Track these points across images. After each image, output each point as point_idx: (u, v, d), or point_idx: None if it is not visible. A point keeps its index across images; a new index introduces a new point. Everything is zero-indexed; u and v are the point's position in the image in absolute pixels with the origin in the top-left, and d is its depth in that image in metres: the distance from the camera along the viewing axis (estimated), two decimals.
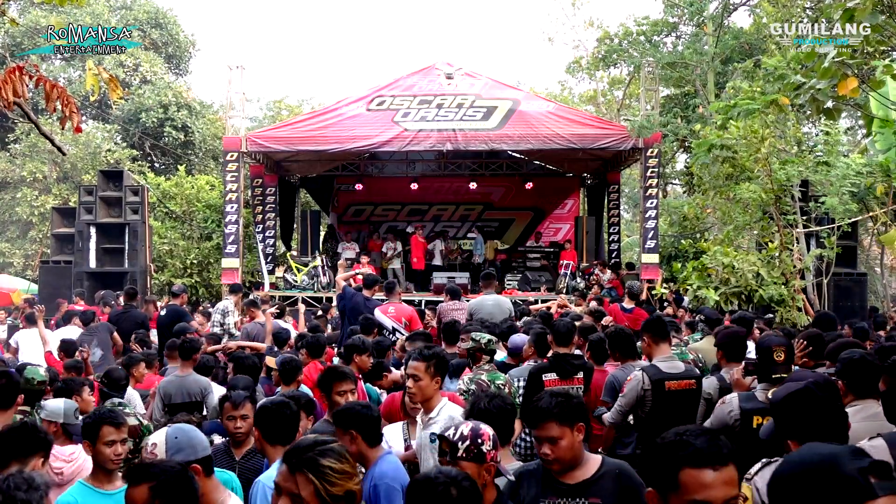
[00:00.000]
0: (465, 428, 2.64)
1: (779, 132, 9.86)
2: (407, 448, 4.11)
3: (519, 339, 5.98)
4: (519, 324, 7.62)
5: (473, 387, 4.89)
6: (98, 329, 8.67)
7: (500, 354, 6.38)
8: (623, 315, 8.54)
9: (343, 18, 71.77)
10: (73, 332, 8.63)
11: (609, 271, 14.27)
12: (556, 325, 5.52)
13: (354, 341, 5.60)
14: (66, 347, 7.22)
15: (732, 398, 4.07)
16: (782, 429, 2.42)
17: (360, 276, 9.53)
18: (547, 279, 15.80)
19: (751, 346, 6.00)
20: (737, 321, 6.66)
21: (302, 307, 9.91)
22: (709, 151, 9.77)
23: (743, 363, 4.57)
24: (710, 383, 4.66)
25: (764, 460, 2.69)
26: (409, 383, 3.83)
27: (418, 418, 3.87)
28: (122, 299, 10.22)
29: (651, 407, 4.66)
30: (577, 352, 5.53)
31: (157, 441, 2.81)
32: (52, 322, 10.33)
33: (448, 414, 3.75)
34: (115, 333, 8.68)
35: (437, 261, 16.59)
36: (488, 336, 5.35)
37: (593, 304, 9.99)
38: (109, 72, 5.55)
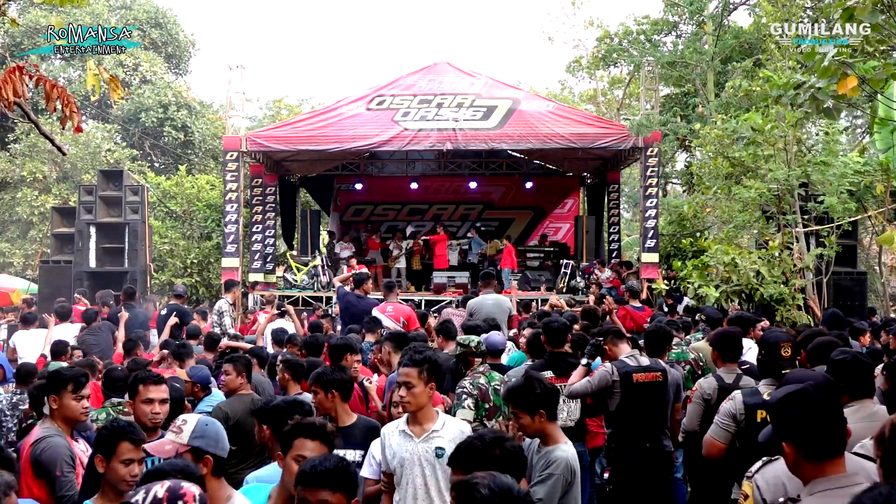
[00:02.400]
0: (161, 489, 2.06)
1: (779, 131, 9.85)
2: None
3: (497, 337, 5.97)
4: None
5: (476, 392, 4.89)
6: (100, 329, 8.67)
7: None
8: (638, 314, 8.72)
9: (343, 18, 71.80)
10: (70, 329, 8.64)
11: (608, 270, 14.28)
12: (550, 325, 5.52)
13: (349, 342, 5.58)
14: (56, 349, 7.15)
15: (737, 394, 4.10)
16: (779, 431, 2.41)
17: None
18: (547, 278, 15.81)
19: (749, 344, 6.02)
20: (735, 321, 6.66)
21: (291, 309, 9.79)
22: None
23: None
24: (709, 384, 4.67)
25: (764, 458, 2.71)
26: (402, 392, 3.47)
27: (408, 430, 3.47)
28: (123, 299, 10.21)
29: (620, 400, 4.79)
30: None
31: (189, 420, 2.84)
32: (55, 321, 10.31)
33: (458, 429, 3.47)
34: (117, 333, 8.66)
35: (453, 260, 16.56)
36: (477, 338, 5.32)
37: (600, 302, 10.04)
38: (110, 71, 5.55)
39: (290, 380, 5.10)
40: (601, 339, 5.09)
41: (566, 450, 3.31)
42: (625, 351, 4.98)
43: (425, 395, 3.48)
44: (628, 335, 5.88)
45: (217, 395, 5.34)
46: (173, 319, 8.35)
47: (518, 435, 3.45)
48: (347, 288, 8.86)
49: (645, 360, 4.94)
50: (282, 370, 5.21)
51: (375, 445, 3.64)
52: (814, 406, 2.33)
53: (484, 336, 5.66)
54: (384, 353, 5.64)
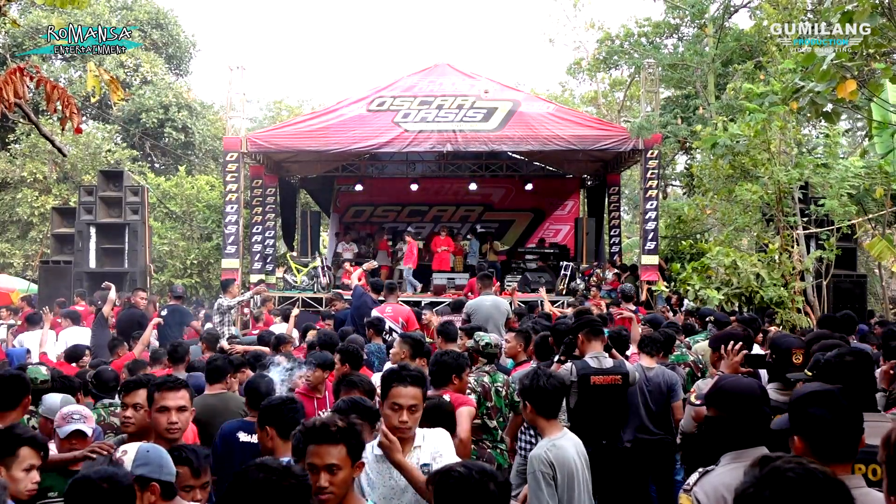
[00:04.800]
0: None
1: (780, 134, 9.86)
2: None
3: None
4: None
5: (479, 389, 4.92)
6: (95, 327, 8.68)
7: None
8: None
9: (343, 18, 71.84)
10: (76, 333, 8.64)
11: (609, 272, 14.29)
12: (558, 327, 5.55)
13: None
14: (70, 353, 7.17)
15: None
16: (795, 425, 2.43)
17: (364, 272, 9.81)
18: (547, 280, 15.81)
19: (754, 349, 6.02)
20: (745, 323, 6.67)
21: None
22: (713, 147, 9.77)
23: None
24: (706, 385, 4.68)
25: (700, 470, 2.69)
26: (405, 416, 3.10)
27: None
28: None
29: (578, 400, 4.83)
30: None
31: (129, 449, 2.80)
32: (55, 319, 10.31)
33: (437, 439, 3.24)
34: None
35: (453, 262, 16.54)
36: (489, 338, 5.34)
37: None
38: (110, 73, 5.56)
39: None
40: (572, 336, 5.07)
41: (542, 445, 3.36)
42: (595, 349, 4.94)
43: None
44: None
45: None
46: (156, 319, 8.35)
47: None
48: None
49: (608, 362, 4.91)
50: None
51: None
52: (835, 408, 2.36)
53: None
54: (400, 355, 5.57)
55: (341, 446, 2.49)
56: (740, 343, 4.31)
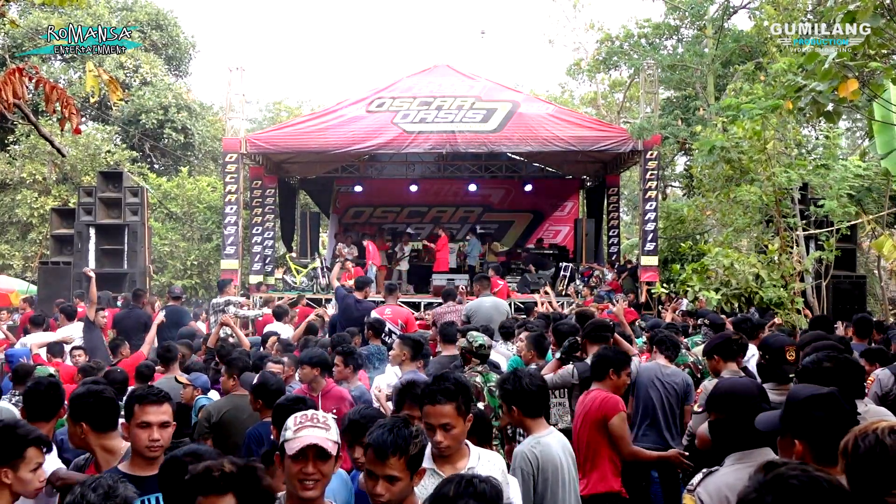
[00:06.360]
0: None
1: (779, 135, 9.86)
2: None
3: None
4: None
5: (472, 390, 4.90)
6: (84, 330, 8.68)
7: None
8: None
9: (343, 19, 71.84)
10: (72, 330, 8.63)
11: (608, 273, 14.28)
12: (559, 328, 5.54)
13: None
14: (51, 348, 7.21)
15: None
16: (795, 427, 2.42)
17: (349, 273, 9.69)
18: (546, 281, 15.78)
19: (753, 350, 6.01)
20: (740, 324, 6.65)
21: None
22: (710, 152, 9.79)
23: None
24: (712, 385, 4.67)
25: (704, 470, 2.71)
26: (439, 437, 2.85)
27: (438, 470, 2.87)
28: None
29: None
30: None
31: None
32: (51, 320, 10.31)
33: (492, 463, 3.02)
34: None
35: (452, 263, 16.54)
36: (482, 339, 5.31)
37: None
38: (109, 73, 5.56)
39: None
40: (577, 338, 5.06)
41: (527, 442, 3.38)
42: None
43: (464, 431, 2.96)
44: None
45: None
46: (160, 319, 8.35)
47: None
48: (350, 291, 8.87)
49: None
50: None
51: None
52: (838, 411, 2.36)
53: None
54: (400, 355, 5.56)
55: (229, 497, 2.08)
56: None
